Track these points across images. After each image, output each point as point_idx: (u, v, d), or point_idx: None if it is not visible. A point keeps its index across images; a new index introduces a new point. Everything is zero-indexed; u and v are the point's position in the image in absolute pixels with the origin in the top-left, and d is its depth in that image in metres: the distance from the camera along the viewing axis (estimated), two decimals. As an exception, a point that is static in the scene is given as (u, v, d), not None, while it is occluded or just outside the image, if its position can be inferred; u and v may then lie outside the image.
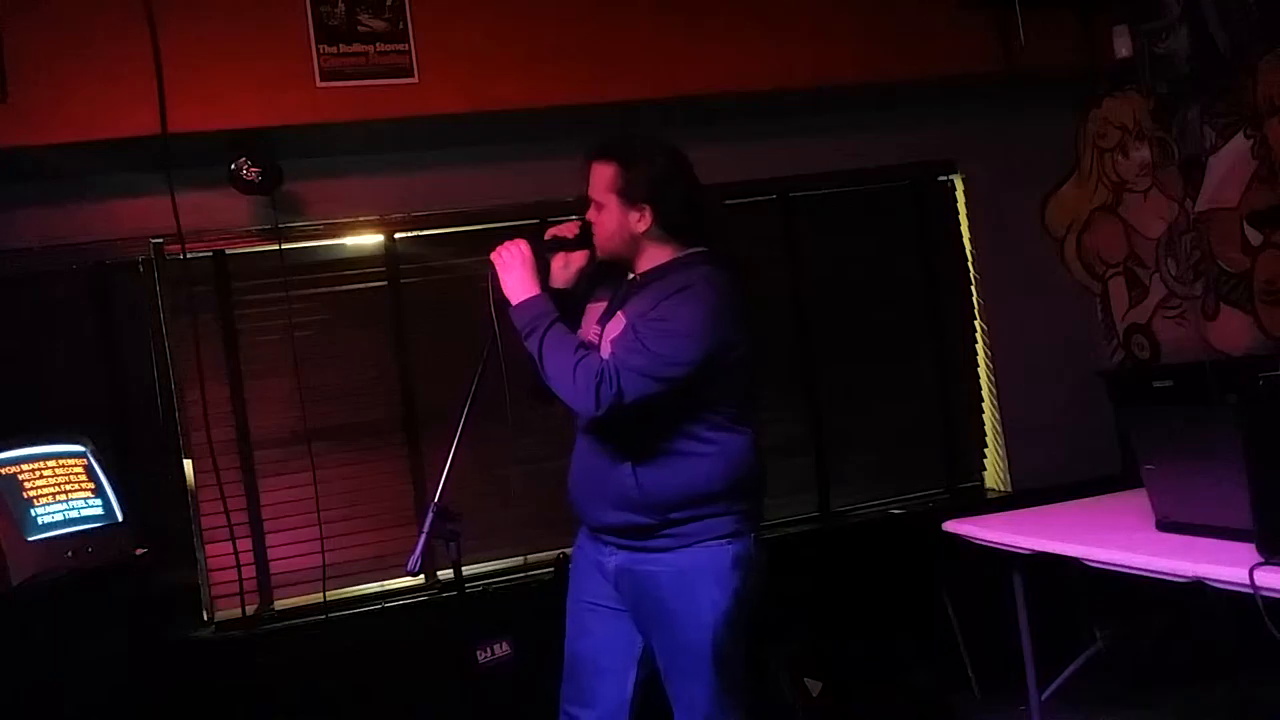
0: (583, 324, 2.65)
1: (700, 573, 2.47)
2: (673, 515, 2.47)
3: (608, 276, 2.65)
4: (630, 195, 2.50)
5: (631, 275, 2.60)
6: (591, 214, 2.57)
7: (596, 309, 2.65)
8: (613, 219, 2.53)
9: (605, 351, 2.49)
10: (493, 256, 2.52)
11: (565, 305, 2.60)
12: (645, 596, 2.53)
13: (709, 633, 2.46)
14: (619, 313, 2.55)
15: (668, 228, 2.53)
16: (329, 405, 4.07)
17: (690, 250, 2.56)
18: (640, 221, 2.52)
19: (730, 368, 2.47)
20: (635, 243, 2.55)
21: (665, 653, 2.54)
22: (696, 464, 2.46)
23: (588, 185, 2.57)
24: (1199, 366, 4.14)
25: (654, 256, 2.56)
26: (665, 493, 2.46)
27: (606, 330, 2.54)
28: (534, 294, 2.48)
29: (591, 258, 2.61)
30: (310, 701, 3.66)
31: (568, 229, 2.60)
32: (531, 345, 2.46)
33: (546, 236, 2.60)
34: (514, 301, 2.48)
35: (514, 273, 2.49)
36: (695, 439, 2.47)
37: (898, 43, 4.10)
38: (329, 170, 3.98)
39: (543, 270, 2.57)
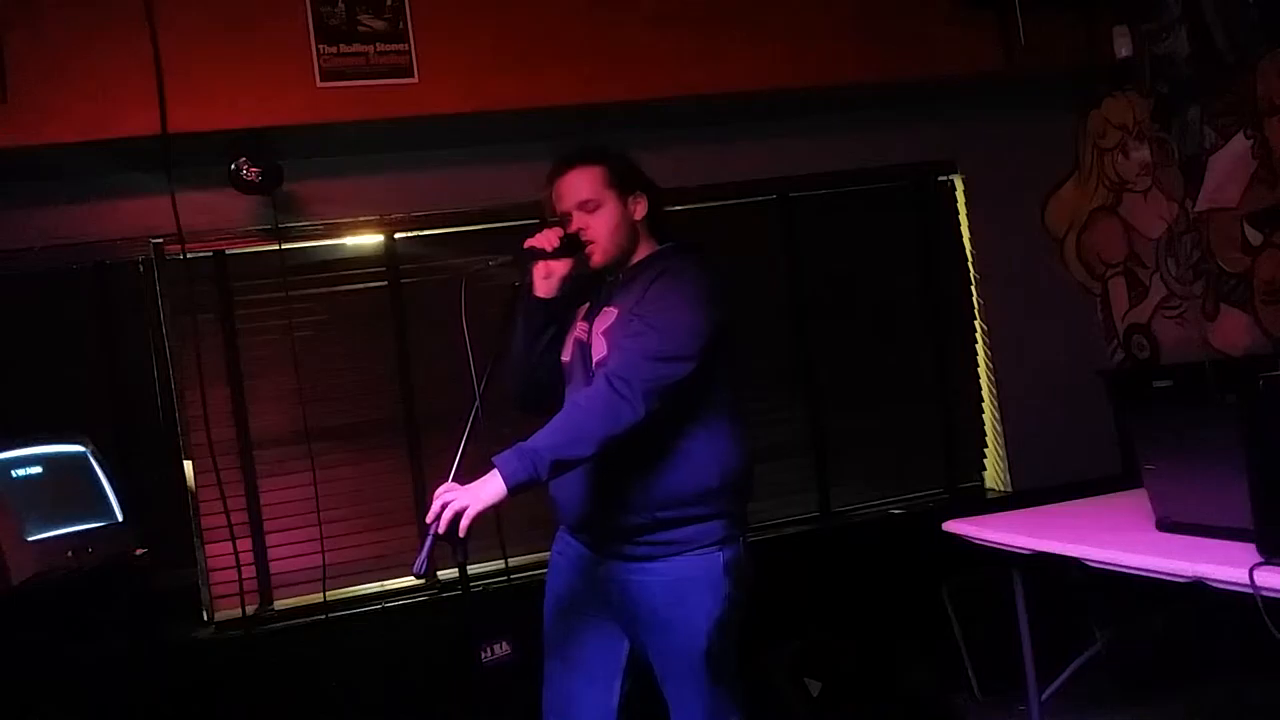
0: (572, 327, 2.63)
1: (694, 581, 2.44)
2: (661, 515, 2.41)
3: (586, 287, 2.63)
4: (625, 185, 2.55)
5: (611, 277, 2.58)
6: (583, 220, 2.52)
7: (581, 311, 2.63)
8: (614, 213, 2.53)
9: (597, 345, 2.47)
10: (451, 510, 2.20)
11: (553, 313, 2.59)
12: (638, 606, 2.50)
13: (704, 639, 2.44)
14: (605, 307, 2.53)
15: (654, 216, 2.59)
16: (329, 405, 4.07)
17: (664, 245, 2.61)
18: (639, 208, 2.56)
19: (722, 350, 2.44)
20: (636, 232, 2.57)
21: (659, 658, 2.51)
22: (687, 459, 2.42)
23: (566, 199, 2.53)
24: (1199, 366, 4.15)
25: (641, 250, 2.59)
26: (654, 489, 2.41)
27: (595, 324, 2.52)
28: (502, 472, 2.22)
29: (574, 266, 2.57)
30: (310, 701, 3.66)
31: (546, 240, 2.52)
32: (563, 467, 2.27)
33: (525, 246, 2.53)
34: (508, 485, 2.21)
35: (481, 493, 2.22)
36: (685, 434, 2.41)
37: (898, 43, 4.09)
38: (329, 170, 3.98)
39: (525, 278, 2.56)
